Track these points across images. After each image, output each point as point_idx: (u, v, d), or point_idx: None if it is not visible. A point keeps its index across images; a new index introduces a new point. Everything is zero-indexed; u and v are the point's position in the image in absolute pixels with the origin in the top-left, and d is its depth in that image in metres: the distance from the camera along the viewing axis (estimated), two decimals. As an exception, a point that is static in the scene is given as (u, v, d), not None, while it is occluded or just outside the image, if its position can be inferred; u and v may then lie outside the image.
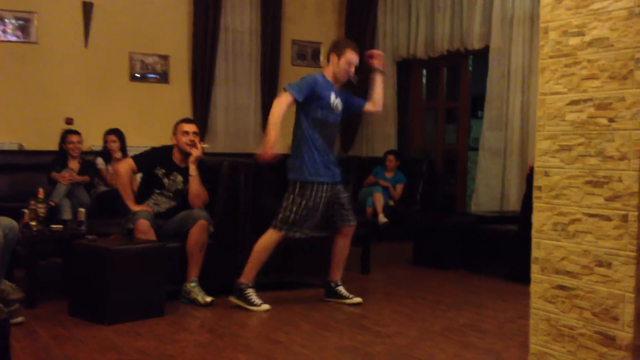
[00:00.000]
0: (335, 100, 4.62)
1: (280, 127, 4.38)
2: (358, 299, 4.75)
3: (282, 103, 4.44)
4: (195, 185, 4.79)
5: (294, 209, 4.51)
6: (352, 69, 4.62)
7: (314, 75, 4.63)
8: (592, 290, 2.49)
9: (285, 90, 4.52)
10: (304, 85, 4.50)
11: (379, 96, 4.83)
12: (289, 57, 8.85)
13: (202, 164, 4.91)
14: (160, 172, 4.85)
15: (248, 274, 4.57)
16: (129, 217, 4.71)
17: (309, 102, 4.52)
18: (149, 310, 4.28)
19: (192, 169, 4.79)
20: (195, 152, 4.81)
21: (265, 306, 4.52)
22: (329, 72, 4.65)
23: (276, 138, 4.35)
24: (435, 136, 8.92)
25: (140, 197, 4.89)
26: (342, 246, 4.79)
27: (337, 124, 4.74)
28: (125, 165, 4.87)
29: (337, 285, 4.82)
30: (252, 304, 4.53)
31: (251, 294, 4.56)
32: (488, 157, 7.33)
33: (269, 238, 4.58)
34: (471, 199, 7.65)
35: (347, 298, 4.76)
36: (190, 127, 4.88)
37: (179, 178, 4.85)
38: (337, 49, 4.63)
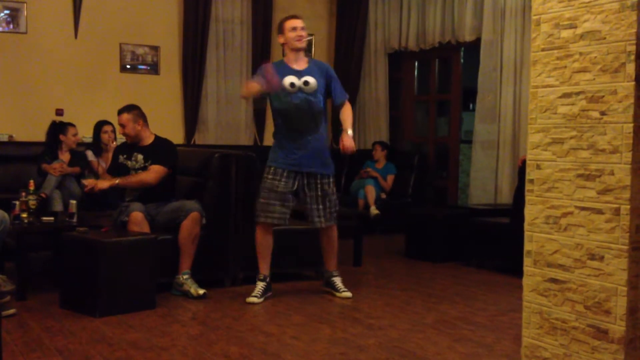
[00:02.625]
0: (297, 80, 4.52)
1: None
2: (347, 294, 4.72)
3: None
4: (129, 184, 4.78)
5: (259, 193, 4.62)
6: (301, 32, 4.60)
7: (261, 67, 4.64)
8: (584, 284, 2.50)
9: None
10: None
11: (346, 123, 4.71)
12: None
13: (157, 147, 4.91)
14: (122, 158, 4.92)
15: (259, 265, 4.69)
16: (122, 210, 4.70)
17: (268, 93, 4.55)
18: (140, 302, 4.27)
19: (108, 184, 4.76)
20: (89, 185, 4.76)
21: (252, 299, 4.54)
22: (286, 55, 4.69)
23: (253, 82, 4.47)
24: (426, 129, 8.92)
25: (119, 190, 4.89)
26: (325, 241, 4.77)
27: (310, 104, 4.52)
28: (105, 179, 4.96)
29: (333, 276, 4.81)
30: (251, 294, 4.59)
31: (257, 285, 4.62)
32: (481, 150, 7.34)
33: (256, 231, 4.66)
34: (463, 192, 7.67)
35: (337, 291, 4.75)
36: (119, 118, 4.92)
37: (139, 157, 4.87)
38: (279, 29, 4.69)
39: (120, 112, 4.93)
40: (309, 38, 4.74)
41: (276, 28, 4.85)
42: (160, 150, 4.89)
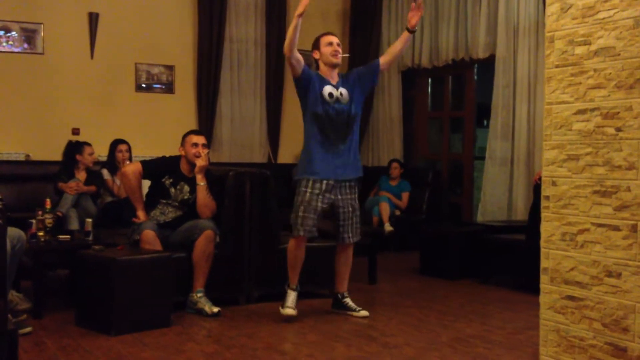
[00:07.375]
0: (335, 91, 4.58)
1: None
2: (365, 313, 4.69)
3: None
4: (202, 195, 4.79)
5: (294, 207, 4.56)
6: (337, 47, 4.61)
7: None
8: (601, 301, 2.48)
9: None
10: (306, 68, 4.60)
11: (396, 50, 4.78)
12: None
13: (209, 175, 4.91)
14: (167, 181, 4.86)
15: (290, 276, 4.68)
16: (135, 228, 4.72)
17: (306, 96, 4.56)
18: (155, 320, 4.27)
19: (199, 178, 4.80)
20: (200, 162, 4.80)
21: (289, 311, 4.54)
22: (321, 69, 4.67)
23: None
24: (440, 145, 8.91)
25: (147, 206, 4.89)
26: (342, 259, 4.77)
27: (347, 115, 4.59)
28: (133, 167, 4.89)
29: (344, 297, 4.79)
30: (282, 305, 4.59)
31: (288, 295, 4.62)
32: (495, 166, 7.32)
33: (289, 243, 4.63)
34: (477, 209, 7.63)
35: (354, 310, 4.72)
36: (199, 139, 4.89)
37: (186, 188, 4.86)
38: (314, 45, 4.72)
39: (200, 133, 5.00)
40: (345, 55, 4.74)
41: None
42: (211, 186, 4.86)
